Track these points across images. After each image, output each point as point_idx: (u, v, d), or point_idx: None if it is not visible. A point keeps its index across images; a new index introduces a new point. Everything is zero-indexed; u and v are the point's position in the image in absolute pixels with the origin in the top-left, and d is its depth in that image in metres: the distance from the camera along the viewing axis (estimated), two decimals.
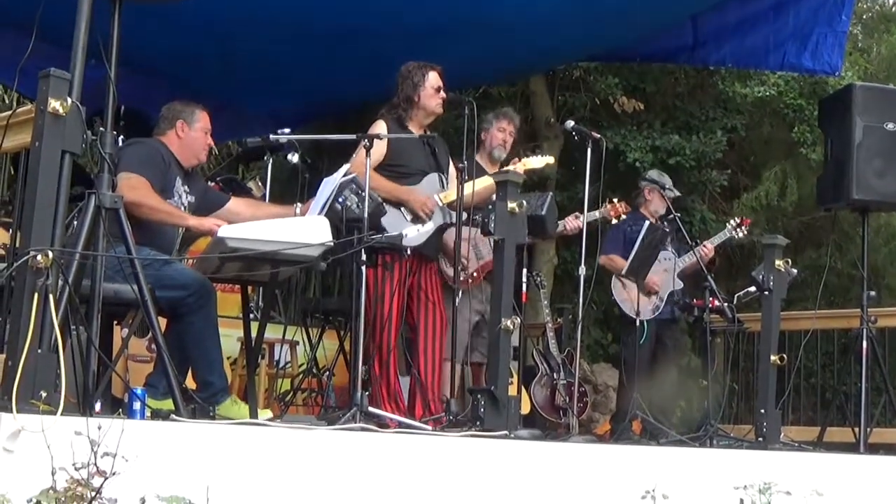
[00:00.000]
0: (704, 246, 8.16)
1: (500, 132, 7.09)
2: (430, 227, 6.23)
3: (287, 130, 5.80)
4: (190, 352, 5.12)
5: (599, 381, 10.40)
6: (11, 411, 3.35)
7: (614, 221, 7.56)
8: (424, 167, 6.34)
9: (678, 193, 8.38)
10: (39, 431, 3.26)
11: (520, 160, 6.85)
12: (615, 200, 7.53)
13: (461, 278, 6.43)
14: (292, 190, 8.50)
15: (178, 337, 5.05)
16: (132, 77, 7.37)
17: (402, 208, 6.18)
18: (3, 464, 3.30)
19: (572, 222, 7.21)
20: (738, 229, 8.29)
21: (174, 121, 5.56)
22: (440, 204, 6.25)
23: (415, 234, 6.14)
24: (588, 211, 7.18)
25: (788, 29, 8.28)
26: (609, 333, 11.68)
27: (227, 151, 12.26)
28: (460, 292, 6.21)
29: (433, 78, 6.33)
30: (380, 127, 6.20)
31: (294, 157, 7.81)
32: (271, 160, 8.24)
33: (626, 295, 7.83)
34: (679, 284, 7.94)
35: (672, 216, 7.51)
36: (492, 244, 5.52)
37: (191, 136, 5.56)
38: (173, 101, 5.70)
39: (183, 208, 5.42)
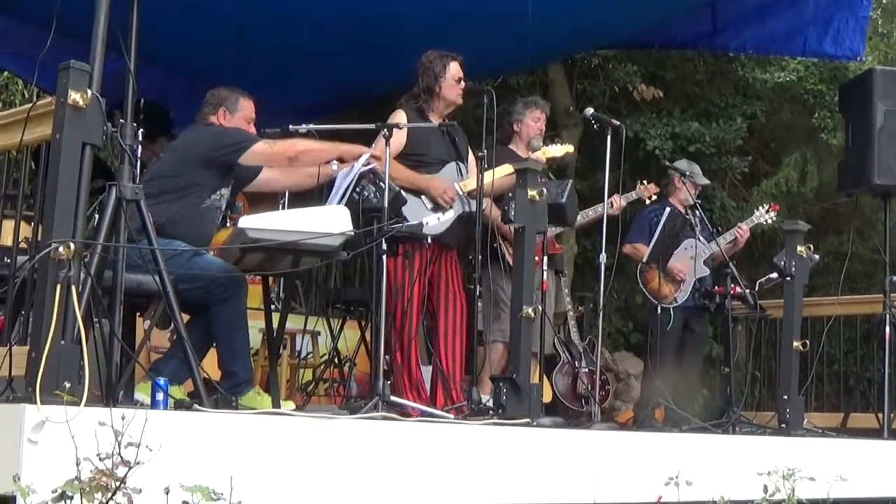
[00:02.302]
0: (739, 228, 8.17)
1: (535, 122, 7.13)
2: (450, 215, 6.23)
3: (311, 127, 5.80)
4: (217, 342, 5.12)
5: (621, 370, 10.39)
6: (35, 403, 3.36)
7: (647, 202, 7.65)
8: (444, 156, 6.34)
9: (708, 182, 8.37)
10: (63, 422, 3.27)
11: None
12: (645, 182, 7.60)
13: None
14: None
15: (205, 327, 5.05)
16: (151, 70, 7.40)
17: (423, 196, 6.17)
18: (28, 455, 3.32)
19: (618, 201, 7.29)
20: (768, 215, 8.27)
21: (217, 107, 5.49)
22: (461, 193, 6.24)
23: (435, 223, 6.13)
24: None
25: (809, 14, 8.22)
26: (630, 322, 11.66)
27: None
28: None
29: (454, 68, 6.32)
30: (399, 117, 6.20)
31: None
32: None
33: (652, 283, 7.81)
34: (706, 271, 7.92)
35: (693, 203, 7.51)
36: (512, 232, 5.54)
37: (232, 124, 5.48)
38: (216, 88, 5.62)
39: (223, 200, 5.43)
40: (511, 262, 6.51)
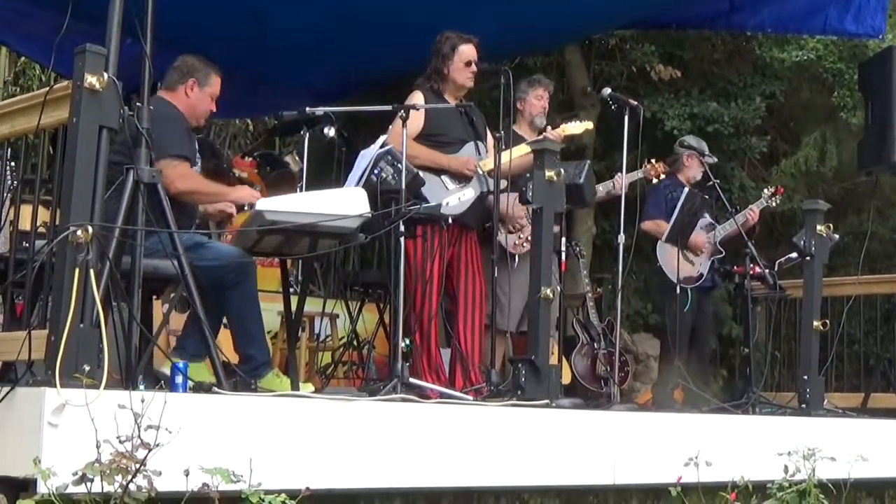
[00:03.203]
0: (751, 209, 8.13)
1: (538, 100, 7.06)
2: (470, 195, 6.20)
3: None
4: (231, 326, 5.11)
5: (640, 351, 10.36)
6: (55, 386, 3.37)
7: (654, 181, 7.59)
8: (463, 136, 6.30)
9: (715, 159, 8.33)
10: (83, 405, 3.28)
11: (558, 126, 6.82)
12: (653, 161, 7.55)
13: (518, 241, 6.52)
14: (329, 164, 8.48)
15: (217, 312, 5.04)
16: (167, 54, 7.37)
17: (443, 176, 6.15)
18: (48, 438, 3.33)
19: (619, 180, 7.17)
20: (773, 198, 8.25)
21: (186, 77, 5.33)
22: (481, 172, 6.21)
23: (455, 203, 6.12)
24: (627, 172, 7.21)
25: None
26: (649, 303, 11.62)
27: (263, 126, 12.27)
28: (517, 258, 6.37)
29: (464, 51, 6.26)
30: (417, 98, 6.17)
31: (330, 131, 7.79)
32: (308, 134, 8.22)
33: (671, 262, 7.78)
34: (721, 252, 7.90)
35: (712, 183, 7.47)
36: (530, 213, 5.52)
37: (198, 97, 5.34)
38: (188, 55, 5.48)
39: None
40: (509, 250, 6.49)
